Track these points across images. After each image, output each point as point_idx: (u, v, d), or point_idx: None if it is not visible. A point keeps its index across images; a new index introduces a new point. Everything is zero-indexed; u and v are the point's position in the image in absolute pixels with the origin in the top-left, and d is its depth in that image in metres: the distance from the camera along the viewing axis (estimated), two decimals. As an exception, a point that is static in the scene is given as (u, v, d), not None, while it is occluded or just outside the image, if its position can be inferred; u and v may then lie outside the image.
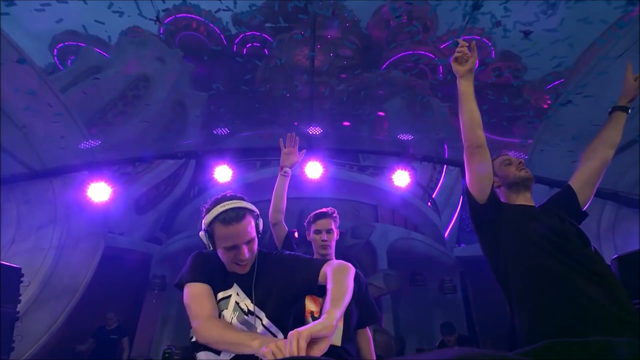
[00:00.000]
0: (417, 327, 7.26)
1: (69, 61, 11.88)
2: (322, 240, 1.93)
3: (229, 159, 4.46)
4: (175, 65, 10.11)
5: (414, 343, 6.91)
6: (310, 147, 4.59)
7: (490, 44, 13.38)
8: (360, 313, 1.89)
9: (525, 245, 1.32)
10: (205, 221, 1.26)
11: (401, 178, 4.60)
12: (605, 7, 5.38)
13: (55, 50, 12.83)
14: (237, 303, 1.26)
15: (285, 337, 1.00)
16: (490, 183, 1.44)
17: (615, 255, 2.29)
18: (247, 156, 7.69)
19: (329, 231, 1.96)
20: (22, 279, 2.98)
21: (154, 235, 8.00)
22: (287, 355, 0.89)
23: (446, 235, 8.66)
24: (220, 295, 1.27)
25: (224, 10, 9.20)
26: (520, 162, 1.53)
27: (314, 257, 1.95)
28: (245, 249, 1.24)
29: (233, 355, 1.14)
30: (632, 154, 3.77)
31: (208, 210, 1.27)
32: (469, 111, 1.41)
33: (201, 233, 1.29)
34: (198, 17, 13.58)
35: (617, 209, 4.19)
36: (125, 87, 8.77)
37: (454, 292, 7.32)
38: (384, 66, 12.82)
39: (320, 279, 1.24)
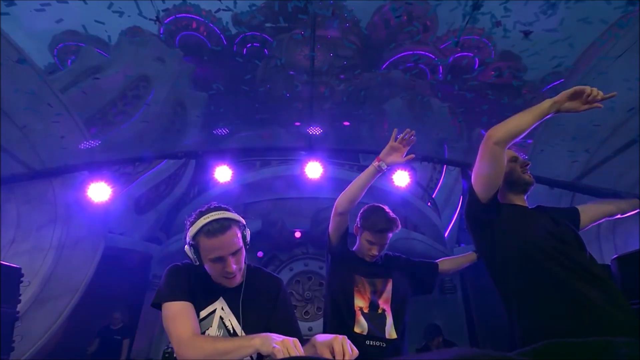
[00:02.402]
0: (417, 327, 7.26)
1: (69, 61, 11.88)
2: (371, 255, 1.80)
3: (229, 159, 4.46)
4: (175, 65, 10.10)
5: (414, 343, 6.92)
6: (310, 147, 4.59)
7: (490, 44, 13.38)
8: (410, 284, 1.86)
9: (524, 247, 1.33)
10: (189, 234, 1.21)
11: (401, 178, 4.59)
12: (605, 7, 5.38)
13: (55, 50, 12.82)
14: (221, 319, 1.21)
15: None
16: (497, 185, 1.39)
17: (615, 255, 2.29)
18: (247, 156, 7.68)
19: (383, 247, 1.81)
20: (22, 279, 2.98)
21: (154, 235, 7.99)
22: (296, 353, 0.89)
23: (446, 235, 8.66)
24: (203, 313, 1.21)
25: (224, 10, 9.21)
26: (526, 165, 1.52)
27: (354, 251, 1.90)
28: (231, 260, 1.19)
29: None
30: (632, 154, 3.77)
31: (192, 223, 1.22)
32: (523, 124, 1.33)
33: (186, 247, 1.23)
34: (198, 17, 13.57)
35: (617, 209, 4.19)
36: (125, 87, 8.77)
37: (454, 292, 7.32)
38: (384, 66, 12.81)
39: None
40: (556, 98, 1.32)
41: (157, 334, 6.76)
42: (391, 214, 1.86)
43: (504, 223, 1.40)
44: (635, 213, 1.65)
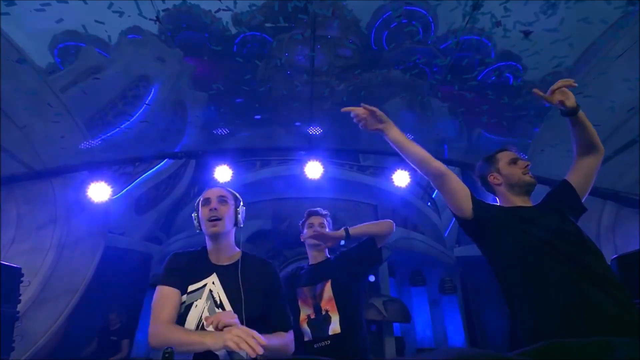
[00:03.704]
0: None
1: (69, 61, 11.87)
2: (314, 237, 1.96)
3: (229, 159, 4.46)
4: (175, 65, 10.10)
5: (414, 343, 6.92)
6: (310, 147, 4.59)
7: (490, 44, 13.37)
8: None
9: (525, 249, 1.31)
10: (196, 205, 1.50)
11: (401, 178, 4.59)
12: (605, 7, 5.38)
13: (55, 50, 12.80)
14: (210, 292, 1.32)
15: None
16: (467, 198, 1.43)
17: (615, 255, 2.29)
18: (247, 156, 7.69)
19: (321, 225, 2.04)
20: (22, 279, 2.98)
21: (154, 235, 7.99)
22: (249, 341, 1.01)
23: (446, 235, 8.65)
24: (196, 286, 1.33)
25: (224, 10, 9.21)
26: (526, 166, 1.50)
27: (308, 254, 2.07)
28: (216, 201, 1.42)
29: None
30: (632, 154, 3.77)
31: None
32: (418, 151, 1.46)
33: (193, 214, 1.49)
34: (198, 17, 13.56)
35: (617, 209, 4.19)
36: (125, 87, 8.76)
37: (454, 292, 7.32)
38: (384, 66, 12.81)
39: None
40: (553, 102, 1.41)
41: (157, 334, 6.76)
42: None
43: (503, 227, 1.38)
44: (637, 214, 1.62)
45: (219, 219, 1.39)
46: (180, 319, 1.28)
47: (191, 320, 1.27)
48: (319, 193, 6.89)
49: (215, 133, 10.13)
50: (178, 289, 1.31)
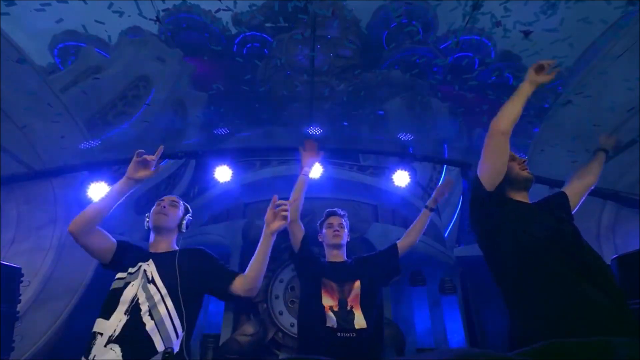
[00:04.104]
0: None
1: (69, 61, 11.87)
2: (335, 239, 2.09)
3: (229, 159, 4.45)
4: (175, 65, 10.10)
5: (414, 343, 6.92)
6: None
7: (490, 44, 13.37)
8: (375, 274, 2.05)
9: (527, 244, 1.32)
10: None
11: (401, 178, 4.59)
12: (605, 7, 5.39)
13: (55, 50, 12.81)
14: (145, 271, 1.49)
15: (182, 322, 1.38)
16: (502, 173, 1.45)
17: (615, 255, 2.29)
18: (247, 156, 7.68)
19: (340, 226, 2.13)
20: (22, 279, 2.98)
21: (154, 235, 7.99)
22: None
23: (446, 235, 8.66)
24: (131, 270, 1.51)
25: (224, 10, 9.21)
26: (523, 161, 1.56)
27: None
28: (167, 202, 1.67)
29: (124, 322, 1.34)
30: (632, 154, 3.77)
31: None
32: (516, 109, 1.47)
33: (146, 215, 1.73)
34: (198, 17, 13.57)
35: (617, 209, 4.19)
36: (125, 87, 8.76)
37: (454, 292, 7.32)
38: (384, 66, 12.81)
39: (234, 287, 1.51)
40: (529, 78, 1.50)
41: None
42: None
43: (507, 217, 1.41)
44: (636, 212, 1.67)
45: (165, 214, 1.62)
46: (117, 294, 1.43)
47: (126, 295, 1.41)
48: (319, 193, 6.89)
49: (215, 133, 10.13)
50: (121, 262, 1.54)
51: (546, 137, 5.00)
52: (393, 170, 4.63)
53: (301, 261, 2.07)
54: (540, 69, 1.50)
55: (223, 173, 4.40)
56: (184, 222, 1.70)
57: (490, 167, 1.45)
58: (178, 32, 13.50)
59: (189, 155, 5.38)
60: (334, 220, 2.14)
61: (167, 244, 1.65)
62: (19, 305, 2.94)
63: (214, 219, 7.57)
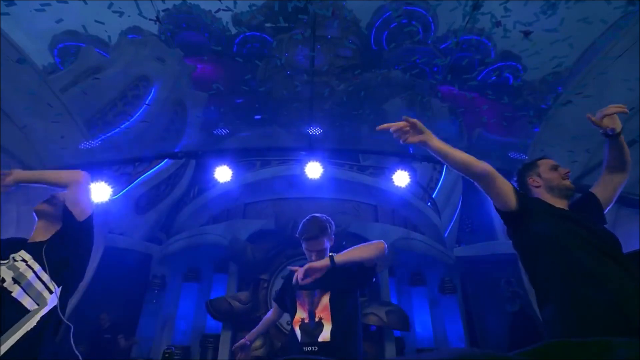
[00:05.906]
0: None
1: (69, 61, 11.87)
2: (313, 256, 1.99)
3: (229, 159, 4.46)
4: (175, 65, 10.09)
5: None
6: (310, 147, 4.59)
7: (490, 44, 13.37)
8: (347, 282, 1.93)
9: (564, 244, 1.36)
10: None
11: (401, 178, 4.59)
12: (605, 7, 5.39)
13: (55, 50, 12.82)
14: (13, 256, 1.65)
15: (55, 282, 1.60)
16: (512, 191, 1.48)
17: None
18: (247, 156, 7.68)
19: (320, 252, 1.97)
20: (22, 279, 2.98)
21: (154, 235, 7.99)
22: None
23: (446, 235, 8.66)
24: (9, 257, 1.66)
25: (224, 10, 9.21)
26: (566, 172, 1.62)
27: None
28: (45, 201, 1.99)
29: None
30: (632, 154, 3.76)
31: None
32: (461, 154, 1.48)
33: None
34: (198, 17, 13.57)
35: (617, 209, 4.19)
36: (125, 87, 8.76)
37: (454, 292, 7.32)
38: (383, 66, 12.81)
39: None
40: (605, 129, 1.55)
41: (157, 334, 6.76)
42: (315, 221, 2.01)
43: (548, 216, 1.45)
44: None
45: (48, 202, 1.91)
46: None
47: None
48: (319, 193, 6.89)
49: (215, 133, 10.14)
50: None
51: (546, 137, 5.01)
52: (393, 170, 4.63)
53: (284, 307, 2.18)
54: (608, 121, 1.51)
55: (223, 173, 4.40)
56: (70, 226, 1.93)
57: (501, 201, 1.48)
58: (178, 32, 13.50)
59: (189, 155, 5.39)
60: (312, 246, 1.97)
61: (45, 230, 1.89)
62: (19, 305, 2.93)
63: (213, 219, 7.57)
